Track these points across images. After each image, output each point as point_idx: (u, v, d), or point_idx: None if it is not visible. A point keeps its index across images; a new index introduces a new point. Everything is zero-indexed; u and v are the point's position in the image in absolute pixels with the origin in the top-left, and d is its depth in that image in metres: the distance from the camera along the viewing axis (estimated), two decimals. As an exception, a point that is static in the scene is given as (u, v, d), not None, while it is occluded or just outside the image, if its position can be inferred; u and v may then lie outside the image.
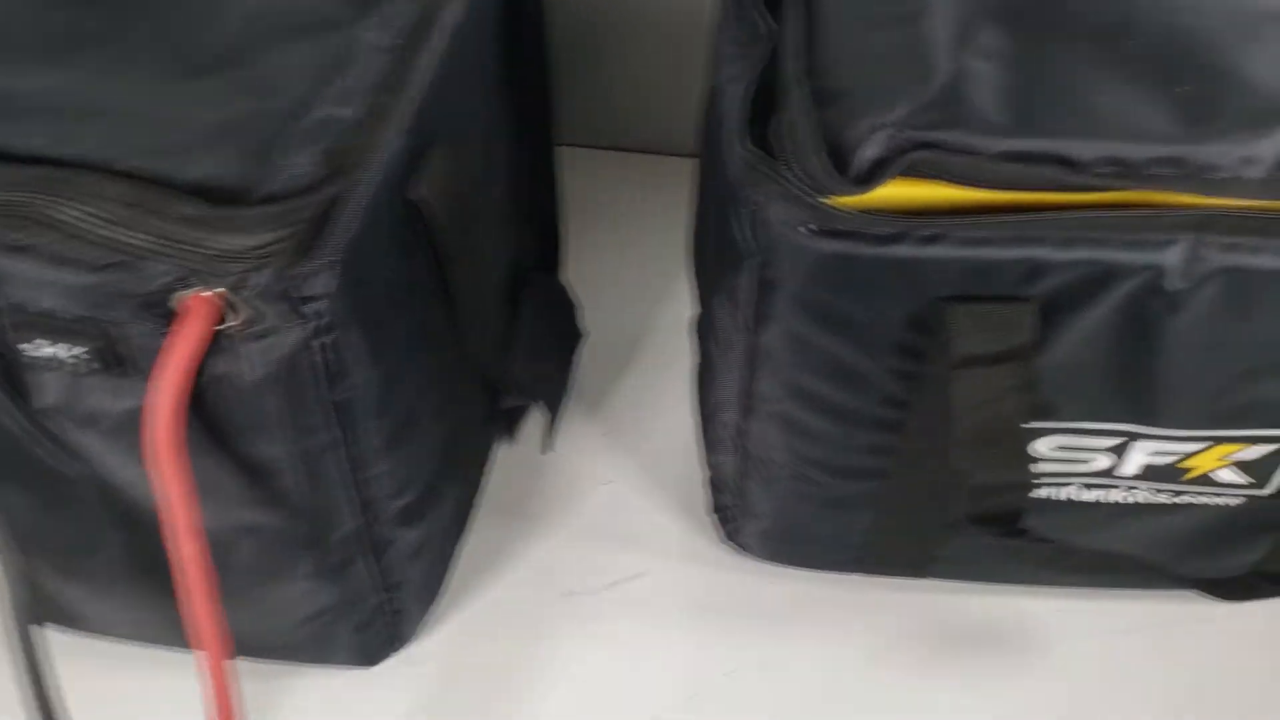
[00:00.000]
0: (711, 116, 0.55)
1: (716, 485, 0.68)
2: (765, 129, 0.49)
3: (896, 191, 0.45)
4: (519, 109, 0.68)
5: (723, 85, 0.53)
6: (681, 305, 0.80)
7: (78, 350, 0.45)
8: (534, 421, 0.75)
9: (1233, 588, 0.57)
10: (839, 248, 0.46)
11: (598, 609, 0.67)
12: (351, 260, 0.45)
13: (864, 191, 0.44)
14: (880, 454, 0.56)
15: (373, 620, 0.60)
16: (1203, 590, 0.57)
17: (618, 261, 0.86)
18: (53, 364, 0.46)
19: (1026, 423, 0.52)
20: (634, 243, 0.88)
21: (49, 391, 0.48)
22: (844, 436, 0.56)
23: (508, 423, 0.73)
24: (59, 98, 0.45)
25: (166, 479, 0.45)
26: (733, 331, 0.55)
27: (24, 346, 0.45)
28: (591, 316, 0.78)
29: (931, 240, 0.46)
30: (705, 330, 0.67)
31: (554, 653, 0.65)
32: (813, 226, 0.46)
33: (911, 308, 0.48)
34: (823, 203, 0.45)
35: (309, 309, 0.45)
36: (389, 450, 0.53)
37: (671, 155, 0.93)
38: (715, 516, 0.69)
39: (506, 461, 0.74)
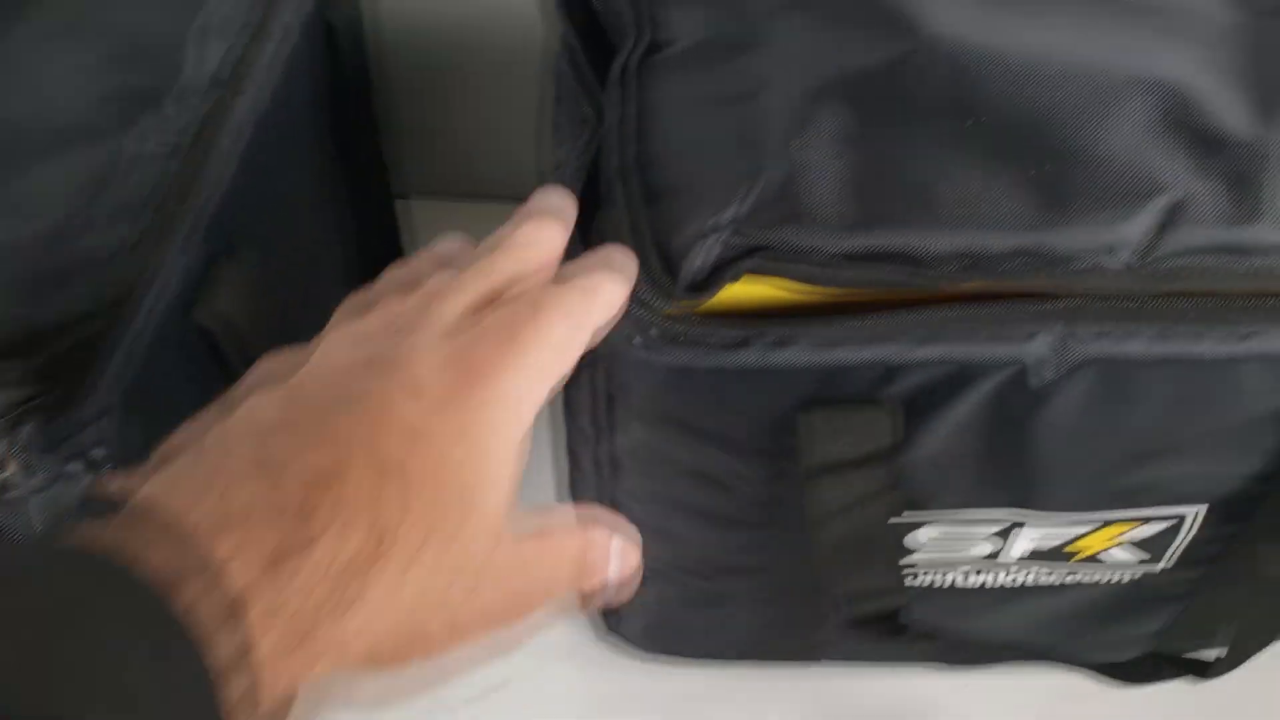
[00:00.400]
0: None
1: (591, 577, 0.64)
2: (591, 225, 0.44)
3: (740, 291, 0.41)
4: (353, 179, 0.63)
5: (549, 172, 0.49)
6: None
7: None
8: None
9: (1131, 670, 0.54)
10: (679, 358, 0.42)
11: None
12: (137, 400, 0.40)
13: (698, 301, 0.40)
14: (756, 551, 0.53)
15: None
16: (1101, 674, 0.54)
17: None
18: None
19: (897, 516, 0.49)
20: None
21: None
22: (715, 539, 0.52)
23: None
24: None
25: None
26: (583, 437, 0.50)
27: None
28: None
29: (778, 345, 0.41)
30: (570, 409, 0.63)
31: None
32: (648, 337, 0.41)
33: (768, 412, 0.44)
34: (657, 312, 0.41)
35: (92, 457, 0.40)
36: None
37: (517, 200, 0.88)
38: (594, 609, 0.65)
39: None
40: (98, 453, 0.40)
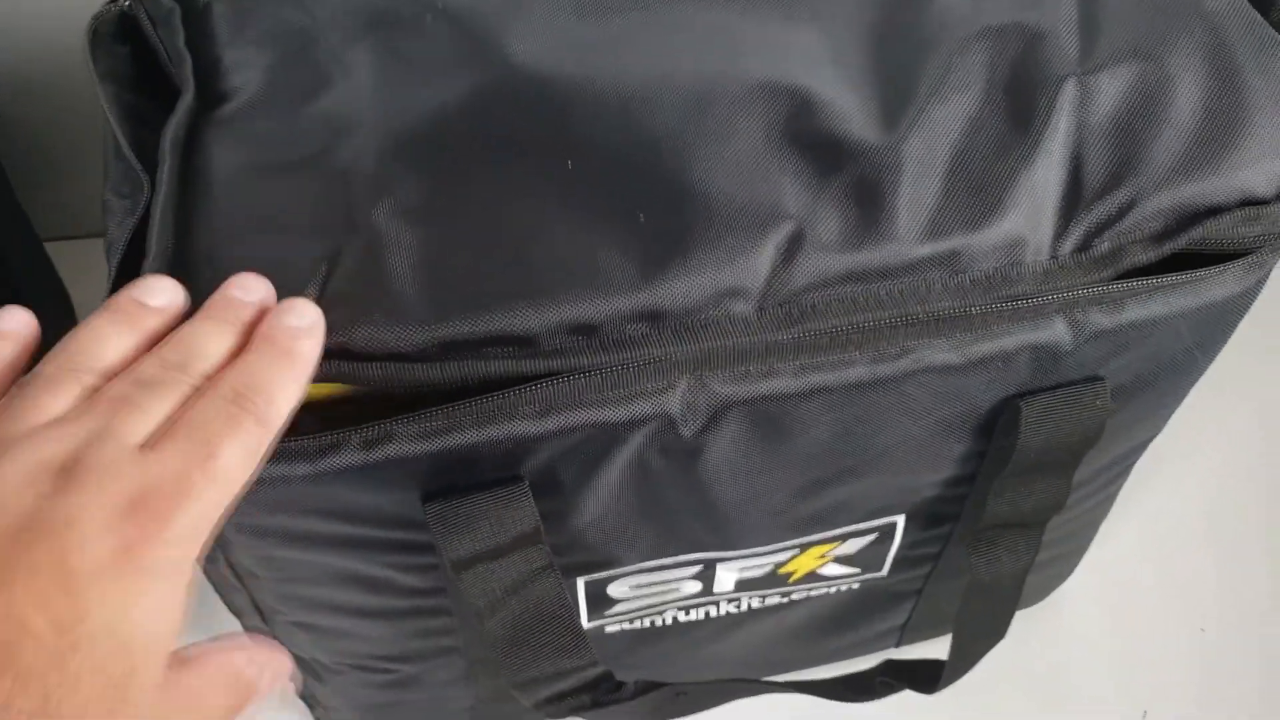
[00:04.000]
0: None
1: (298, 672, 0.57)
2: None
3: (315, 391, 0.35)
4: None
5: (109, 247, 0.41)
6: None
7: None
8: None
9: (862, 688, 0.50)
10: (266, 472, 0.35)
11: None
12: None
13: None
14: (437, 636, 0.47)
15: None
16: (836, 697, 0.50)
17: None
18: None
19: (578, 583, 0.44)
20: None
21: None
22: (385, 631, 0.46)
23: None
24: None
25: None
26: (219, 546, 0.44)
27: None
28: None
29: (376, 444, 0.35)
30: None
31: None
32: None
33: (393, 509, 0.38)
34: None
35: None
36: None
37: None
38: (307, 703, 0.59)
39: None
40: None
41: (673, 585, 0.47)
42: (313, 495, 0.37)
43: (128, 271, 0.37)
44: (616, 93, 0.38)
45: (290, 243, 0.36)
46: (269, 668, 0.33)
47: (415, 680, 0.50)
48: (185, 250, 0.37)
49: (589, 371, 0.35)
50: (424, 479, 0.37)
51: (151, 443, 0.29)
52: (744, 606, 0.50)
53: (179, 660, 0.30)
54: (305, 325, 0.32)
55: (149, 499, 0.28)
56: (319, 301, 0.34)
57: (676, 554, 0.44)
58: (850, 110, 0.38)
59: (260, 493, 0.36)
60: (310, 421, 0.35)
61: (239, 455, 0.30)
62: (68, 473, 0.28)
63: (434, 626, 0.46)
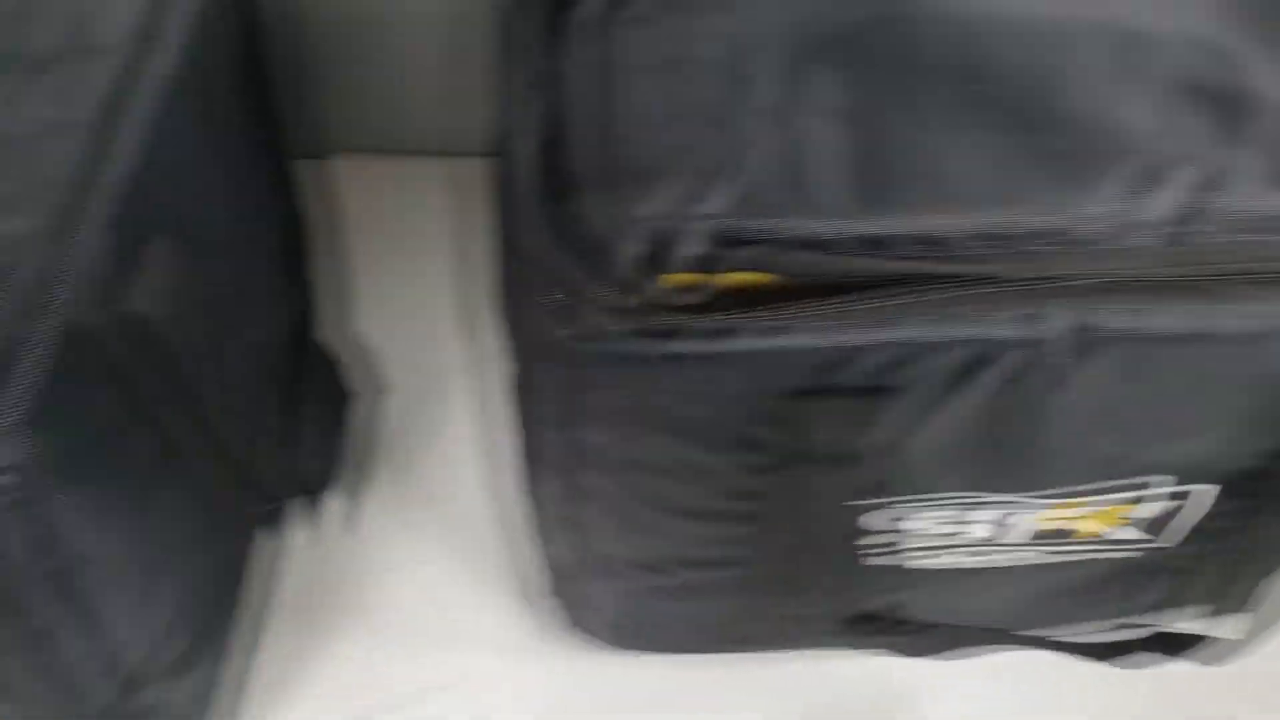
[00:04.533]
0: (503, 170, 0.45)
1: (551, 569, 0.59)
2: (557, 199, 0.39)
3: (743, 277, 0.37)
4: (253, 142, 0.57)
5: (510, 133, 0.44)
6: (486, 336, 0.70)
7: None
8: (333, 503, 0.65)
9: (1110, 651, 0.51)
10: (660, 348, 0.38)
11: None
12: (47, 410, 0.35)
13: (687, 301, 0.35)
14: (735, 544, 0.49)
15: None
16: (1080, 654, 0.51)
17: (407, 290, 0.74)
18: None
19: (887, 505, 0.45)
20: (424, 264, 0.75)
21: None
22: (691, 532, 0.48)
23: (270, 516, 0.62)
24: None
25: None
26: (546, 424, 0.46)
27: None
28: (385, 362, 0.68)
29: (773, 332, 0.37)
30: (524, 395, 0.58)
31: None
32: (627, 327, 0.37)
33: (754, 402, 0.40)
34: (638, 301, 0.36)
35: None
36: (137, 610, 0.43)
37: (459, 155, 0.79)
38: (554, 602, 0.61)
39: (292, 553, 0.63)
40: (6, 479, 0.35)
41: (969, 526, 0.48)
42: (694, 375, 0.39)
43: (551, 149, 0.39)
44: (1024, 27, 0.40)
45: (702, 132, 0.38)
46: None
47: (688, 591, 0.52)
48: (604, 130, 0.39)
49: (991, 281, 0.37)
50: (793, 376, 0.39)
51: None
52: (1017, 561, 0.51)
53: None
54: None
55: None
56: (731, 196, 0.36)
57: (987, 492, 0.46)
58: (1256, 66, 0.39)
59: (646, 368, 0.39)
60: (708, 307, 0.37)
61: None
62: None
63: (736, 534, 0.48)
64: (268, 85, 0.56)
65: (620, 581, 0.53)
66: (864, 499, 0.43)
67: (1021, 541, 0.49)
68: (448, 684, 0.59)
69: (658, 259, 0.36)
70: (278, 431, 0.56)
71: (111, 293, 0.39)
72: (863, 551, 0.44)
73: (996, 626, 0.52)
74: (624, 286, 0.35)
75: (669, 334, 0.37)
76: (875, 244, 0.36)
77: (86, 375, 0.38)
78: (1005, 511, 0.47)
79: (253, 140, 0.55)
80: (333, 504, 0.63)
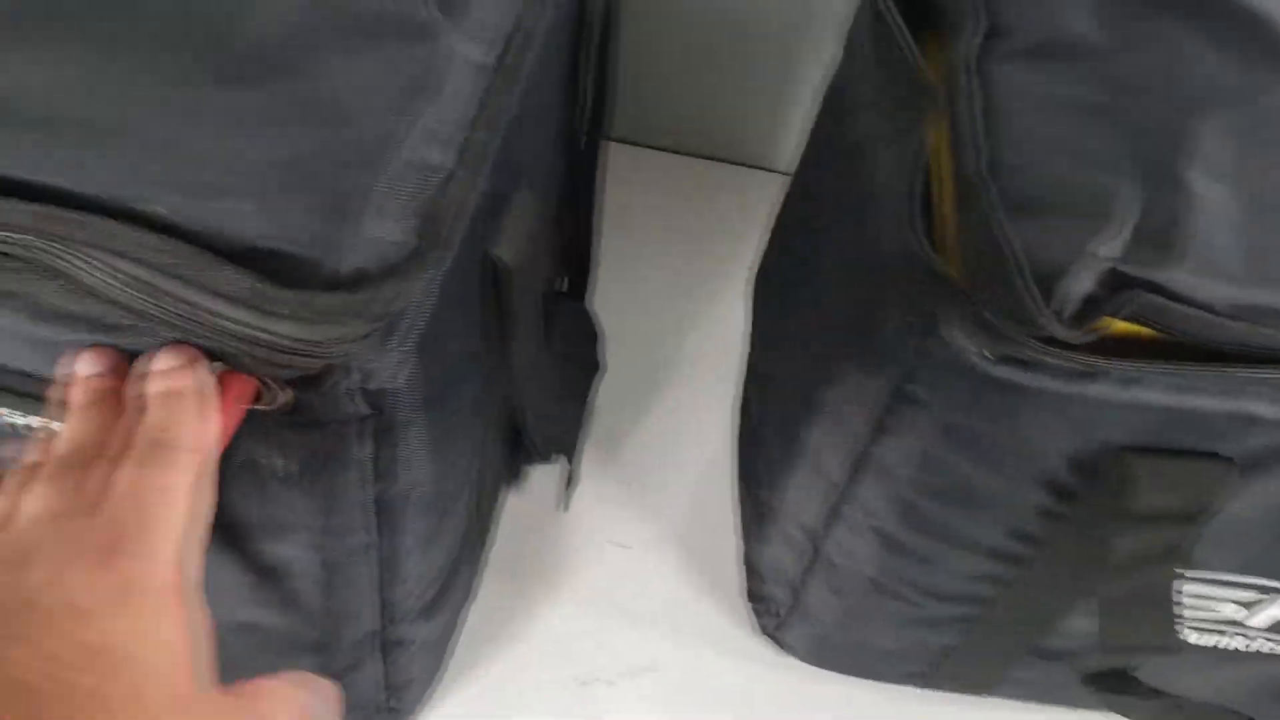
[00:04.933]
0: (852, 175, 0.46)
1: (758, 572, 0.60)
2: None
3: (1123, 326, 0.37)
4: (573, 114, 0.58)
5: (871, 145, 0.44)
6: (720, 332, 0.72)
7: (54, 425, 0.35)
8: (540, 469, 0.65)
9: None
10: (1018, 378, 0.38)
11: (613, 702, 0.59)
12: (424, 339, 0.36)
13: (1075, 335, 0.36)
14: (989, 582, 0.49)
15: None
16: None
17: (645, 279, 0.76)
18: (18, 432, 0.36)
19: (1183, 574, 0.45)
20: (666, 257, 0.78)
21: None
22: (954, 563, 0.48)
23: (516, 470, 0.64)
24: (54, 101, 0.33)
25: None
26: (835, 432, 0.47)
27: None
28: (612, 343, 0.69)
29: (1129, 383, 0.38)
30: (769, 395, 0.59)
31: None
32: (995, 353, 0.37)
33: (1079, 447, 0.41)
34: (1016, 331, 0.36)
35: (373, 404, 0.35)
36: (424, 547, 0.44)
37: (728, 163, 0.84)
38: (753, 605, 0.61)
39: (510, 513, 0.64)
40: (382, 400, 0.36)
41: (1220, 604, 0.48)
42: (1035, 411, 0.39)
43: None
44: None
45: (1100, 179, 0.38)
46: (329, 707, 0.34)
47: (923, 622, 0.52)
48: (993, 167, 0.39)
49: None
50: (1132, 430, 0.39)
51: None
52: (1250, 649, 0.51)
53: (235, 689, 0.32)
54: (178, 363, 0.33)
55: (121, 537, 0.30)
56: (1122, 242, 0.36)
57: (1260, 576, 0.46)
58: None
59: (994, 395, 0.39)
60: (1071, 348, 0.37)
61: (183, 482, 0.32)
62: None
63: (996, 573, 0.48)
64: (603, 66, 0.57)
65: (849, 600, 0.53)
66: (1159, 564, 0.42)
67: (1267, 629, 0.49)
68: (641, 669, 0.60)
69: (1061, 298, 0.36)
70: (554, 390, 0.57)
71: (484, 235, 0.40)
72: (1133, 614, 0.44)
73: (1232, 710, 0.52)
74: (1071, 319, 0.36)
75: (1030, 366, 0.37)
76: (1247, 314, 0.36)
77: (453, 312, 0.38)
78: (1266, 597, 0.47)
79: (568, 105, 0.56)
80: (555, 473, 0.64)
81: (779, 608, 0.58)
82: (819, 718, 0.59)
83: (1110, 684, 0.48)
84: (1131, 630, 0.44)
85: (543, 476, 0.65)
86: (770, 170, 0.84)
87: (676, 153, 0.84)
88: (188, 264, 0.31)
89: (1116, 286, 0.36)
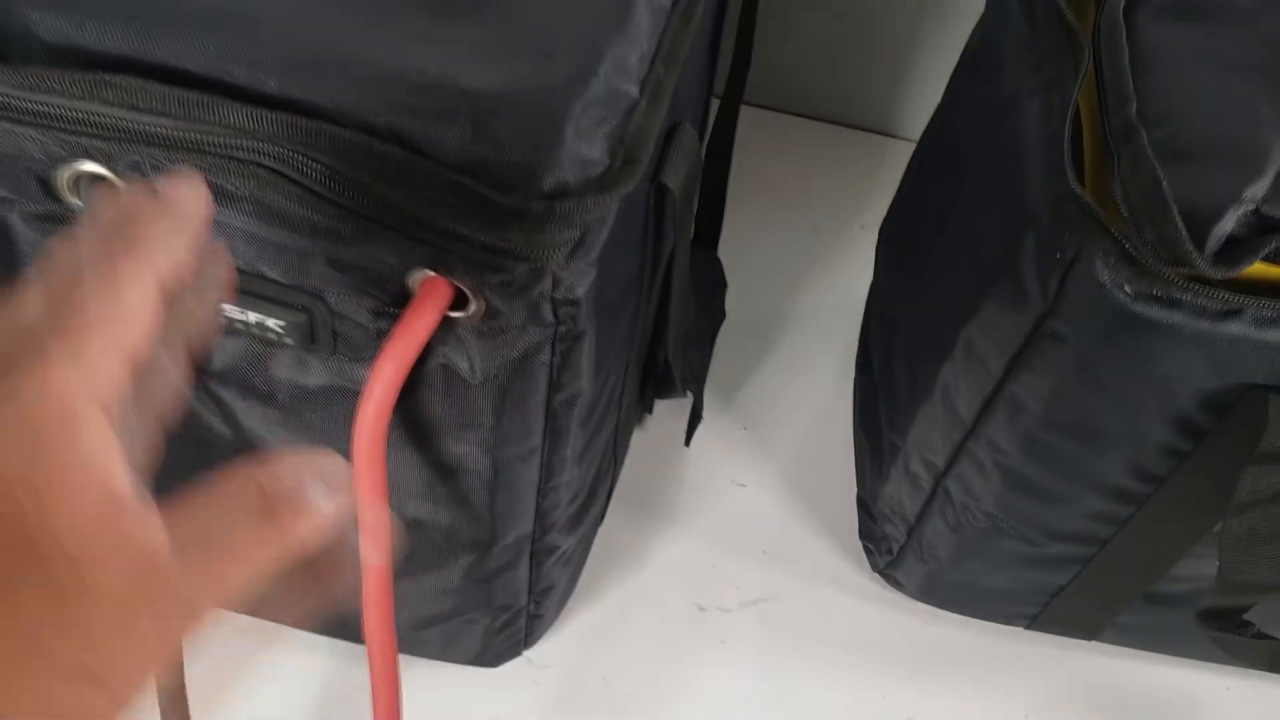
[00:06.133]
0: (997, 126, 0.48)
1: (872, 511, 0.62)
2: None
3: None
4: (712, 70, 0.61)
5: (1016, 96, 0.46)
6: (836, 289, 0.75)
7: (277, 321, 0.39)
8: (663, 404, 0.69)
9: None
10: (1162, 316, 0.40)
11: (729, 628, 0.62)
12: (604, 256, 0.39)
13: (1225, 274, 0.38)
14: (1107, 522, 0.51)
15: (511, 624, 0.55)
16: None
17: (768, 232, 0.79)
18: (243, 329, 0.40)
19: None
20: (788, 214, 0.81)
21: (225, 356, 0.42)
22: (1075, 500, 0.50)
23: (647, 403, 0.67)
24: (289, 23, 0.37)
25: (366, 472, 0.39)
26: (969, 369, 0.49)
27: (226, 306, 0.39)
28: (734, 291, 0.72)
29: (1270, 323, 0.40)
30: (895, 340, 0.61)
31: (680, 673, 0.60)
32: (1139, 290, 0.40)
33: (1211, 385, 0.43)
34: (1165, 269, 0.39)
35: (557, 313, 0.38)
36: (579, 459, 0.47)
37: (849, 127, 0.86)
38: (865, 544, 0.64)
39: (635, 447, 0.68)
40: (567, 310, 0.39)
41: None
42: (1175, 349, 0.41)
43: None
44: None
45: (1247, 130, 0.40)
46: (323, 491, 0.28)
47: (1037, 562, 0.55)
48: (1143, 115, 0.41)
49: None
50: (1267, 369, 0.41)
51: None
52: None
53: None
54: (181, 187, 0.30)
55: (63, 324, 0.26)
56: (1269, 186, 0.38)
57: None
58: None
59: (1136, 333, 0.41)
60: (1214, 286, 0.39)
61: (133, 290, 0.27)
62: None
63: (1114, 512, 0.50)
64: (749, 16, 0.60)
65: (965, 535, 0.56)
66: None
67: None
68: (757, 599, 0.63)
69: (1215, 238, 0.38)
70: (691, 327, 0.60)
71: (657, 163, 0.43)
72: (1255, 552, 0.46)
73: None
74: (1216, 257, 0.38)
75: (1172, 303, 0.40)
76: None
77: (625, 232, 0.41)
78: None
79: (710, 60, 0.58)
80: (679, 410, 0.67)
81: (893, 545, 0.61)
82: (928, 653, 0.62)
83: (1222, 623, 0.50)
84: (1252, 566, 0.46)
85: (666, 415, 0.68)
86: (893, 136, 0.86)
87: (801, 115, 0.86)
88: (415, 171, 0.34)
89: (1262, 228, 0.39)
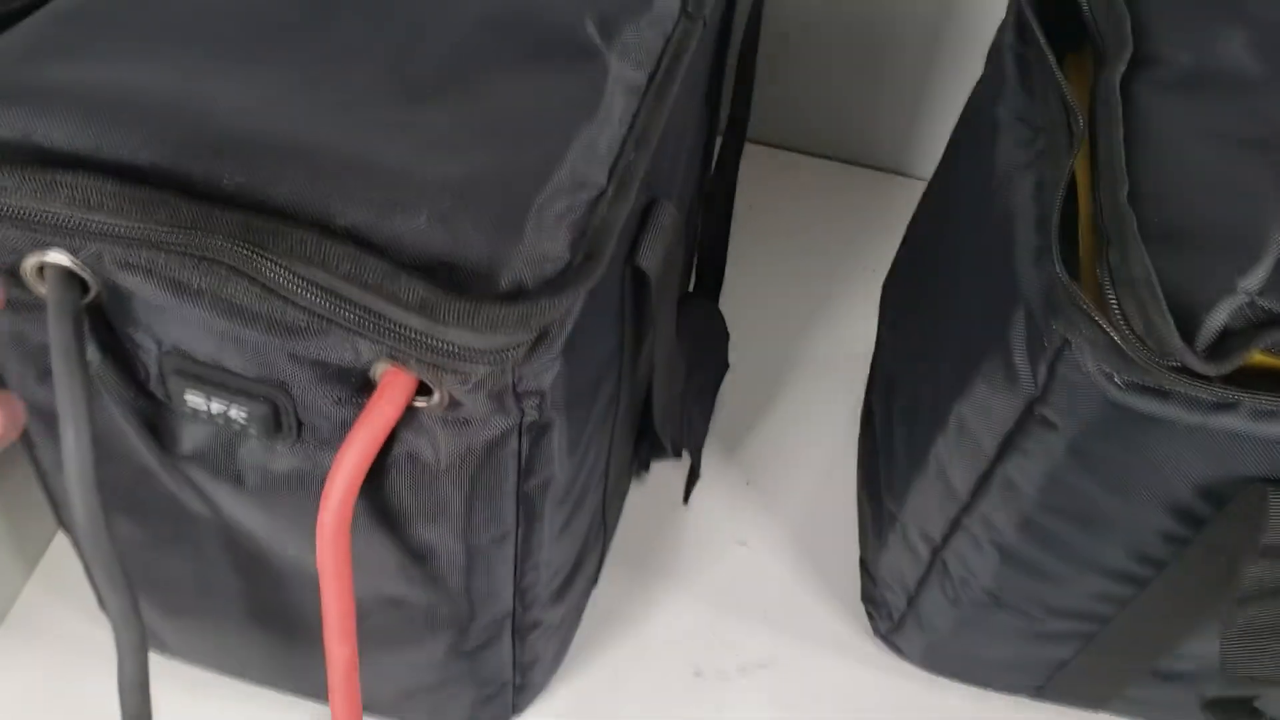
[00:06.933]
0: (991, 196, 0.47)
1: (874, 576, 0.61)
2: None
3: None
4: (712, 122, 0.60)
5: (1010, 166, 0.45)
6: (844, 337, 0.73)
7: (240, 411, 0.38)
8: (664, 464, 0.67)
9: None
10: (1154, 408, 0.39)
11: (726, 695, 0.60)
12: (568, 347, 0.38)
13: (1217, 370, 0.36)
14: (1109, 601, 0.49)
15: (497, 695, 0.54)
16: None
17: (775, 274, 0.78)
18: (210, 418, 0.39)
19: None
20: (796, 255, 0.79)
21: (193, 440, 0.41)
22: (1073, 581, 0.49)
23: (642, 464, 0.66)
24: (253, 113, 0.36)
25: (330, 562, 0.39)
26: (962, 446, 0.47)
27: (189, 397, 0.38)
28: (739, 337, 0.70)
29: (1267, 416, 0.38)
30: (895, 403, 0.60)
31: (676, 739, 0.59)
32: (1129, 381, 0.38)
33: (1208, 477, 0.41)
34: (1151, 361, 0.37)
35: (522, 405, 0.37)
36: (559, 537, 0.47)
37: (857, 165, 0.85)
38: (867, 607, 0.63)
39: (632, 506, 0.66)
40: (532, 401, 0.38)
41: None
42: (1167, 440, 0.40)
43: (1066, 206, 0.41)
44: None
45: (1246, 214, 0.38)
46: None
47: (1038, 636, 0.53)
48: (1134, 195, 0.40)
49: None
50: (1266, 462, 0.40)
51: None
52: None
53: None
54: None
55: None
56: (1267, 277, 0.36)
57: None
58: None
59: (1126, 424, 0.40)
60: (1202, 379, 0.38)
61: None
62: None
63: (1117, 593, 0.48)
64: (747, 75, 0.59)
65: (964, 610, 0.54)
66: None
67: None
68: (756, 664, 0.61)
69: (1208, 330, 0.36)
70: (682, 388, 0.59)
71: (631, 243, 0.42)
72: (1258, 646, 0.44)
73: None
74: (1208, 352, 0.36)
75: (1164, 395, 0.38)
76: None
77: (595, 318, 0.40)
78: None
79: (707, 113, 0.57)
80: (678, 468, 0.66)
81: (894, 611, 0.60)
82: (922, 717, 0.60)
83: (1230, 712, 0.48)
84: (1255, 662, 0.44)
85: (666, 471, 0.67)
86: (904, 175, 0.85)
87: (811, 154, 0.85)
88: (373, 272, 0.34)
89: (1258, 322, 0.37)
